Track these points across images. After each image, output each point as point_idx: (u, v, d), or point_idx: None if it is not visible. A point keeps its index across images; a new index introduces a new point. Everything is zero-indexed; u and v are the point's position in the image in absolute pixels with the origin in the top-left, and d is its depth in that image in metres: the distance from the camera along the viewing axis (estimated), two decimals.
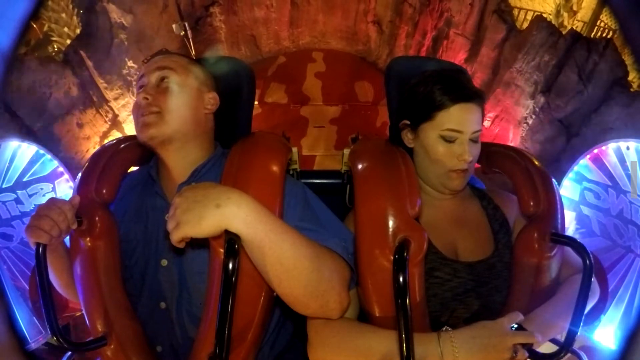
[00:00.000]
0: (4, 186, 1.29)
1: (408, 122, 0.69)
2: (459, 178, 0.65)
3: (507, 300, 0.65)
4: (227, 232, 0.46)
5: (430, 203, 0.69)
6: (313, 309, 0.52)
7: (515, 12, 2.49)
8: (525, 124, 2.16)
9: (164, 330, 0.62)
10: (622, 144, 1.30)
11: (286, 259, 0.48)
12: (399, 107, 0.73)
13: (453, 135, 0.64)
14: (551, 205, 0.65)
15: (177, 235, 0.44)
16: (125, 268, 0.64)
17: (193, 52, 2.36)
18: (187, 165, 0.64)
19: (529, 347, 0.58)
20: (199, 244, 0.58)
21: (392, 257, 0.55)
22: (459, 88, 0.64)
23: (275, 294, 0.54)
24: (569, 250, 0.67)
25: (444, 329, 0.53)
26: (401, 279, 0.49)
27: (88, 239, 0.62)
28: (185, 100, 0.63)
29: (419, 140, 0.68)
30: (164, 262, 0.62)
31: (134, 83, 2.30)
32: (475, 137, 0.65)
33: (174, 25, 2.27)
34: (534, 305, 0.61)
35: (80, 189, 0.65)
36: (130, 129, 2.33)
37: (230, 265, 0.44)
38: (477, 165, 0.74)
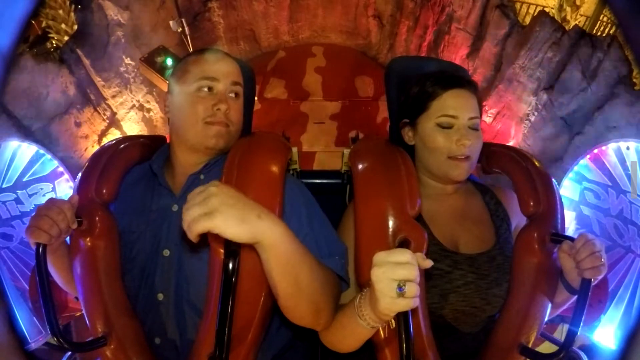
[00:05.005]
0: (4, 186, 1.29)
1: (407, 121, 0.71)
2: (460, 167, 0.64)
3: (507, 300, 0.65)
4: None
5: (433, 196, 0.69)
6: (306, 321, 0.55)
7: (518, 6, 2.46)
8: (527, 121, 2.15)
9: (162, 322, 0.63)
10: (622, 144, 1.30)
11: (302, 280, 0.50)
12: (398, 110, 0.74)
13: (449, 122, 0.64)
14: (551, 206, 0.66)
15: (205, 225, 0.41)
16: (126, 261, 0.64)
17: (191, 49, 2.33)
18: (199, 163, 0.65)
19: (529, 348, 0.58)
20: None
21: None
22: (449, 77, 0.67)
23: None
24: None
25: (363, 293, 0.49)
26: None
27: (88, 238, 0.62)
28: (242, 121, 0.70)
29: (418, 134, 0.68)
30: (166, 252, 0.62)
31: (132, 80, 2.29)
32: (472, 124, 0.65)
33: (171, 22, 2.23)
34: (534, 305, 0.61)
35: (80, 189, 0.65)
36: (128, 127, 2.32)
37: (230, 265, 0.45)
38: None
